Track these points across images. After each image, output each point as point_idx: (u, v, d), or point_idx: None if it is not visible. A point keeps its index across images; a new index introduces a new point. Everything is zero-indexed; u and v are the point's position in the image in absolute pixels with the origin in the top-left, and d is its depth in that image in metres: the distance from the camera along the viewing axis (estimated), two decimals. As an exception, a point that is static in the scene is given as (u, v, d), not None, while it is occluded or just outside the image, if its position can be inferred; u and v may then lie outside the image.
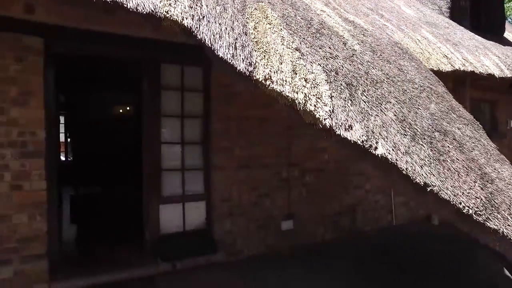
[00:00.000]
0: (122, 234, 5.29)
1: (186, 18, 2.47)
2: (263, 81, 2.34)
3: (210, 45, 2.37)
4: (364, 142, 2.18)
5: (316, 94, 2.31)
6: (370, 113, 2.39)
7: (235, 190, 4.34)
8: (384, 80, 2.79)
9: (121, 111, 10.73)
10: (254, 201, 4.48)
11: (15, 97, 3.24)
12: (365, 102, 2.46)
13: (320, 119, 2.25)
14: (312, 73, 2.43)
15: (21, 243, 3.24)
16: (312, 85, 2.36)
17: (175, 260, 3.89)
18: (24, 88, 3.27)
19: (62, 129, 8.29)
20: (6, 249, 3.20)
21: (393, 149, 2.15)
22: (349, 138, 2.20)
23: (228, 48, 2.40)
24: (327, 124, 2.25)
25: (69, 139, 8.88)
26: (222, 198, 4.26)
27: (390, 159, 2.09)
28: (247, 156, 4.42)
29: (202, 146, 4.34)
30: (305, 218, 4.87)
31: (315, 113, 2.25)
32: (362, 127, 2.26)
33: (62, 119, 8.25)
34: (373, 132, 2.24)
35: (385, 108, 2.48)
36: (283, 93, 2.31)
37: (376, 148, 2.15)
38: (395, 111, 2.48)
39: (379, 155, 2.12)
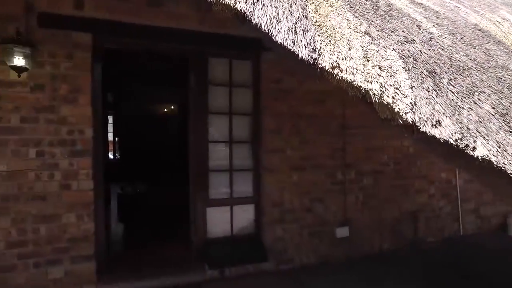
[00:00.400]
0: (169, 234, 5.20)
1: (239, 2, 2.19)
2: (330, 69, 2.01)
3: (267, 31, 2.07)
4: (458, 140, 1.77)
5: (393, 84, 1.93)
6: (462, 106, 1.96)
7: (286, 193, 4.03)
8: (472, 66, 2.33)
9: (166, 110, 10.85)
10: (307, 205, 4.13)
11: (65, 95, 3.18)
12: (453, 93, 2.03)
13: (400, 113, 1.86)
14: (387, 59, 2.06)
15: (70, 243, 3.18)
16: (388, 74, 1.98)
17: (223, 267, 3.66)
18: (73, 85, 3.20)
19: (110, 128, 8.47)
20: (57, 249, 3.15)
21: (497, 150, 1.72)
22: (437, 136, 1.79)
23: (288, 34, 2.09)
24: (409, 119, 1.86)
25: (116, 138, 9.08)
26: (273, 202, 3.97)
27: (495, 163, 1.67)
28: (299, 157, 4.09)
29: (251, 146, 4.08)
30: (361, 225, 4.44)
31: (394, 106, 1.87)
32: (454, 122, 1.84)
33: (110, 118, 8.42)
34: (468, 129, 1.82)
35: (479, 99, 2.04)
36: (354, 83, 1.95)
37: (474, 148, 1.73)
38: (492, 102, 2.03)
39: (480, 157, 1.70)
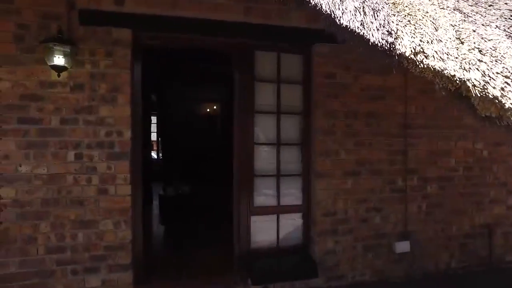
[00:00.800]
0: (211, 237, 4.96)
1: (295, -21, 1.82)
2: (412, 56, 1.58)
3: (329, 12, 1.69)
4: None
5: (501, 72, 1.47)
6: None
7: (339, 201, 3.60)
8: None
9: (209, 110, 10.74)
10: (362, 215, 3.67)
11: (104, 94, 3.00)
12: None
13: (513, 111, 1.40)
14: (489, 40, 1.59)
15: (107, 251, 3.01)
16: (493, 58, 1.51)
17: (268, 283, 3.31)
18: (112, 84, 3.02)
19: (154, 128, 8.49)
20: (94, 257, 2.99)
21: None
22: None
23: (355, 14, 1.69)
24: (526, 119, 1.39)
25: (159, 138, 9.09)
26: (325, 211, 3.56)
27: None
28: (354, 161, 3.64)
29: (301, 148, 3.70)
30: (425, 239, 3.89)
31: (503, 101, 1.41)
32: None
33: (154, 119, 8.44)
34: None
35: None
36: (445, 71, 1.51)
37: None
38: None
39: None
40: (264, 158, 3.62)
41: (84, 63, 2.97)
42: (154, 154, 10.03)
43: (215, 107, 10.61)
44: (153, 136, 8.52)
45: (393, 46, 1.62)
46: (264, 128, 3.61)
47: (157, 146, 9.36)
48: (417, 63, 1.57)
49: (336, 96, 3.59)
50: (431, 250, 3.93)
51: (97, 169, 2.97)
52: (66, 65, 2.79)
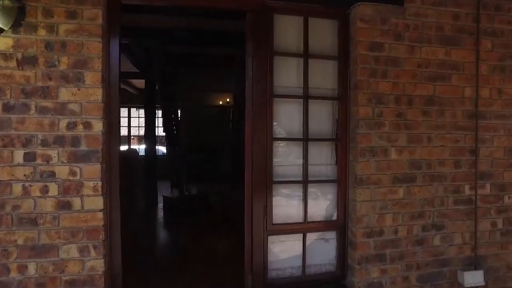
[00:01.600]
0: (219, 253, 4.13)
1: None
2: None
3: None
4: None
5: None
6: None
7: (388, 217, 2.68)
8: None
9: (221, 102, 9.91)
10: (418, 236, 2.74)
11: (65, 72, 2.17)
12: None
13: None
14: None
15: None
16: None
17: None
18: (77, 57, 2.18)
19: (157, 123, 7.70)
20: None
21: None
22: None
23: None
24: None
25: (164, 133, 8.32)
26: (367, 230, 2.64)
27: None
28: (407, 162, 2.71)
29: (335, 145, 2.79)
30: (503, 267, 2.92)
31: None
32: None
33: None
34: None
35: None
36: None
37: None
38: None
39: None
40: (285, 158, 2.73)
41: (36, 28, 2.14)
42: (162, 148, 9.29)
43: (228, 100, 9.77)
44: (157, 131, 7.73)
45: None
46: (286, 118, 2.72)
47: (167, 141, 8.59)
48: None
49: (384, 74, 2.65)
50: None
51: (56, 175, 2.15)
52: (2, 26, 1.96)
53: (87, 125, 2.18)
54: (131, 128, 12.17)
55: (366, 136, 2.63)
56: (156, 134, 7.36)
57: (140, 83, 8.52)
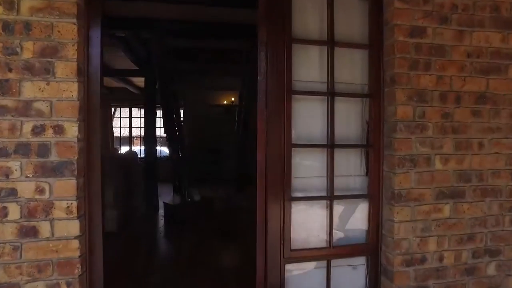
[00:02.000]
0: (225, 273, 3.67)
1: None
2: None
3: None
4: None
5: None
6: None
7: (431, 241, 2.19)
8: None
9: (226, 101, 9.45)
10: (468, 263, 2.25)
11: (29, 61, 1.70)
12: None
13: None
14: None
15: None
16: None
17: None
18: (45, 43, 1.71)
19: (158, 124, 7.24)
20: None
21: None
22: None
23: None
24: None
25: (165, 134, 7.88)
26: (406, 256, 2.15)
27: None
28: (455, 174, 2.22)
29: (365, 152, 2.31)
30: None
31: None
32: None
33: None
34: None
35: None
36: None
37: None
38: None
39: None
40: (306, 168, 2.25)
41: (-9, 4, 1.68)
42: (165, 149, 8.83)
43: (233, 99, 9.31)
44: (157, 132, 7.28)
45: None
46: (305, 119, 2.24)
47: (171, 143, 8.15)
48: None
49: (427, 66, 2.16)
50: None
51: (19, 193, 1.69)
52: None
53: (59, 130, 1.72)
54: (132, 129, 11.75)
55: (406, 142, 2.15)
56: (159, 134, 6.91)
57: (141, 81, 8.11)
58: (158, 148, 7.25)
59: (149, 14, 4.43)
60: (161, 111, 6.08)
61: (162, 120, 6.50)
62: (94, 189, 1.89)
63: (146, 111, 6.32)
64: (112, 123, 10.85)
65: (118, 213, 4.85)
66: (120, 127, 11.73)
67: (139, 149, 9.92)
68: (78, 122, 1.75)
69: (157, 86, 6.11)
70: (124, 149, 11.31)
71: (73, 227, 1.73)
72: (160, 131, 8.32)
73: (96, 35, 1.91)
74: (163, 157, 8.98)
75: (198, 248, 4.39)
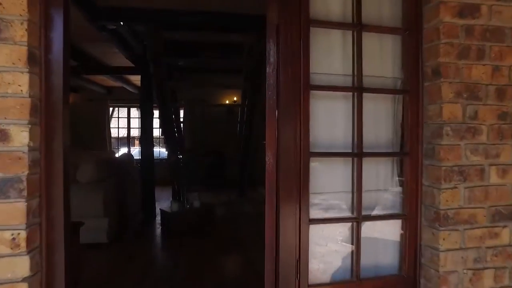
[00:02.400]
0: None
1: None
2: None
3: None
4: None
5: None
6: None
7: (486, 273, 1.74)
8: None
9: (228, 101, 9.03)
10: (530, 301, 1.80)
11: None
12: None
13: None
14: None
15: None
16: None
17: None
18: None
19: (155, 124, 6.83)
20: None
21: None
22: None
23: None
24: None
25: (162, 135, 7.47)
26: (457, 297, 1.71)
27: None
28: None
29: (399, 162, 1.86)
30: None
31: None
32: None
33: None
34: None
35: None
36: None
37: None
38: None
39: None
40: (326, 182, 1.81)
41: None
42: (164, 150, 8.43)
43: (235, 97, 8.88)
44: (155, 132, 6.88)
45: None
46: (325, 121, 1.79)
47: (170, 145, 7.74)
48: None
49: (480, 54, 1.71)
50: None
51: None
52: None
53: (1, 136, 1.29)
54: (132, 129, 11.35)
55: (454, 150, 1.70)
56: (157, 135, 6.49)
57: (139, 80, 7.72)
58: (157, 149, 6.82)
59: (143, 4, 4.02)
60: (158, 110, 5.66)
61: (159, 120, 6.07)
62: (56, 212, 1.45)
63: (142, 110, 5.91)
64: (110, 124, 10.45)
65: (110, 221, 4.43)
66: (118, 128, 11.33)
67: (138, 150, 9.53)
68: (30, 125, 1.31)
69: (154, 84, 5.68)
70: (122, 151, 10.92)
71: (21, 266, 1.29)
72: (159, 132, 7.91)
73: (58, 13, 1.47)
74: (163, 158, 8.56)
75: (197, 263, 3.96)
